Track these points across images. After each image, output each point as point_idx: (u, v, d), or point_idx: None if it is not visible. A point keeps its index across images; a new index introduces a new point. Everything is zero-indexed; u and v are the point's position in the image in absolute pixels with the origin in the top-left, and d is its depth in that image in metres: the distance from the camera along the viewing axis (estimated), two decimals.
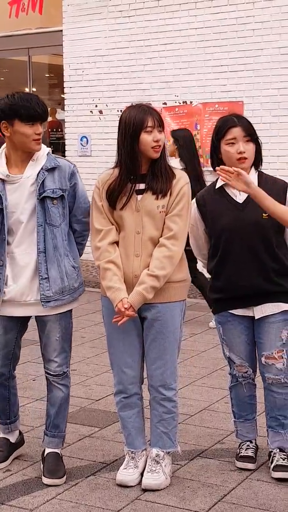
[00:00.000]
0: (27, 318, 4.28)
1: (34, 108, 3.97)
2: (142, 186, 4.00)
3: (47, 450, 4.28)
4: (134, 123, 3.93)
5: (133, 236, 3.99)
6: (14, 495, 4.03)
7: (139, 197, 3.99)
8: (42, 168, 4.07)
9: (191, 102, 10.25)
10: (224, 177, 3.95)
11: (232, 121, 4.09)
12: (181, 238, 3.99)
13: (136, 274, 3.98)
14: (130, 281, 4.00)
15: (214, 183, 4.25)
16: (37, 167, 4.07)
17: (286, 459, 4.22)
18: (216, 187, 4.21)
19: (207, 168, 10.04)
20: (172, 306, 4.04)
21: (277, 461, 4.22)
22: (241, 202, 4.13)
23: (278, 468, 4.18)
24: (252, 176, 4.10)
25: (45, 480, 4.17)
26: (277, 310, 4.13)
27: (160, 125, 3.97)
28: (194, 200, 4.26)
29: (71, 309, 4.26)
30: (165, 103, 10.40)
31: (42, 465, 4.26)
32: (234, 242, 4.10)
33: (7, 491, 4.09)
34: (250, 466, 4.32)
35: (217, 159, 4.16)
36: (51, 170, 4.09)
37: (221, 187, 4.18)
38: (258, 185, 4.05)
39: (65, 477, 4.20)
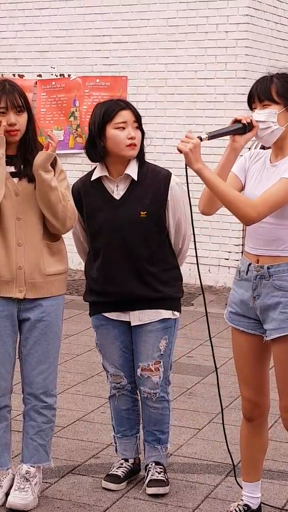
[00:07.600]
0: None
1: None
2: (12, 169, 3.99)
3: None
4: None
5: (13, 222, 3.96)
6: None
7: (15, 179, 3.98)
8: None
9: (69, 75, 10.18)
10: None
11: (121, 104, 4.10)
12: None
13: (20, 265, 3.96)
14: (13, 273, 3.96)
15: (90, 173, 4.21)
16: None
17: (162, 473, 4.28)
18: (92, 178, 4.17)
19: None
20: (56, 303, 4.06)
21: (152, 475, 4.27)
22: (118, 198, 4.13)
23: (152, 483, 4.24)
24: (133, 168, 4.10)
25: None
26: (156, 318, 4.17)
27: (17, 106, 3.90)
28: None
29: None
30: (39, 75, 10.27)
31: None
32: (110, 242, 4.12)
33: None
34: (111, 486, 4.30)
35: (100, 146, 4.07)
36: None
37: (98, 179, 4.15)
38: (137, 178, 4.07)
39: None
